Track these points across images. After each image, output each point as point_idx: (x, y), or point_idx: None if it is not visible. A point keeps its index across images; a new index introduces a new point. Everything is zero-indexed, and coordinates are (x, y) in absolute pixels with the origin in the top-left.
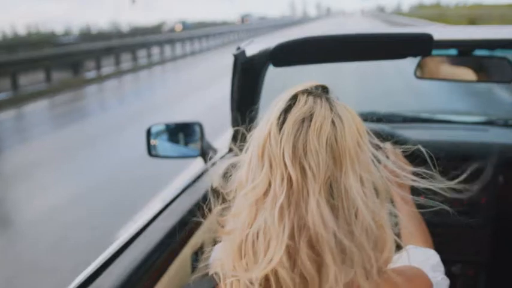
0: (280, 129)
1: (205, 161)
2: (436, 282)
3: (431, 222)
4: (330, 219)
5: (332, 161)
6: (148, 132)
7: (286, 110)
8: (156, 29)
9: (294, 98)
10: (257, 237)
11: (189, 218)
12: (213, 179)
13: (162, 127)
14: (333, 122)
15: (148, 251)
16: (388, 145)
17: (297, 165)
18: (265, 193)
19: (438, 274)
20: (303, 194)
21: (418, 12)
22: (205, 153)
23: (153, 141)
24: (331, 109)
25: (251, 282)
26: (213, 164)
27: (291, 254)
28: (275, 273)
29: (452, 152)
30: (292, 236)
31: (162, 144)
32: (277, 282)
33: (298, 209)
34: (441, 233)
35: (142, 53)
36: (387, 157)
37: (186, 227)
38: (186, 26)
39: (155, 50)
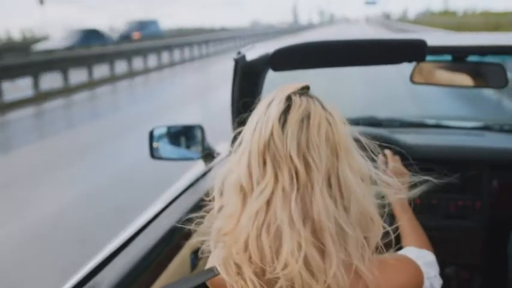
0: (282, 129)
1: (206, 163)
2: (428, 277)
3: (426, 225)
4: (332, 208)
5: (330, 153)
6: (151, 135)
7: (285, 111)
8: None
9: (289, 100)
10: (262, 232)
11: (189, 218)
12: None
13: (164, 130)
14: (327, 118)
15: (148, 249)
16: (387, 151)
17: (301, 160)
18: (272, 192)
19: (431, 271)
20: (308, 187)
21: (435, 20)
22: (206, 155)
23: (155, 144)
24: (323, 107)
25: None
26: (214, 166)
27: (300, 245)
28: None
29: (448, 156)
30: (300, 227)
31: (164, 147)
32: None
33: (303, 201)
34: (436, 236)
35: None
36: (386, 162)
37: (185, 227)
38: None
39: None
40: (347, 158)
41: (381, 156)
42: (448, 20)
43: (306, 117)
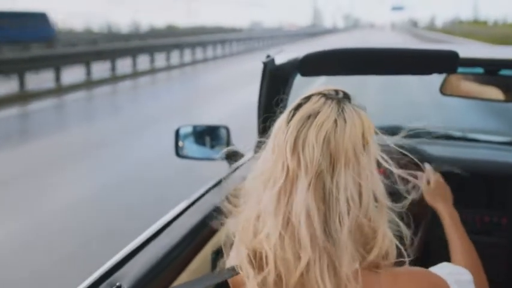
0: (288, 124)
1: (230, 164)
2: None
3: None
4: (314, 211)
5: (327, 158)
6: (177, 133)
7: (297, 108)
8: None
9: (308, 98)
10: (257, 218)
11: (211, 218)
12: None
13: (190, 129)
14: (335, 121)
15: (170, 247)
16: (427, 166)
17: (295, 157)
18: (268, 178)
19: None
20: (293, 184)
21: (467, 29)
22: (230, 156)
23: (181, 143)
24: (338, 110)
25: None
26: (238, 168)
27: (282, 239)
28: (266, 255)
29: (474, 170)
30: (284, 223)
31: (189, 146)
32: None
33: (290, 198)
34: None
35: None
36: (428, 181)
37: (208, 226)
38: None
39: None
40: (348, 168)
41: (420, 173)
42: (482, 31)
43: (314, 115)
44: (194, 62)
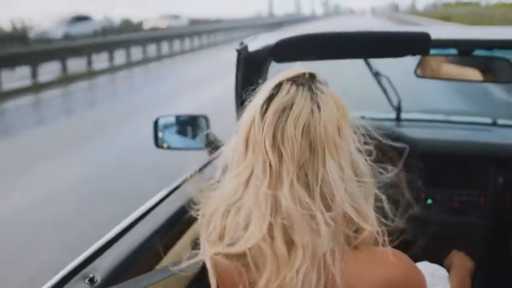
0: (263, 118)
1: (210, 152)
2: (433, 284)
3: (429, 220)
4: (303, 202)
5: (308, 147)
6: (156, 124)
7: (270, 99)
8: None
9: (278, 87)
10: (230, 211)
11: (189, 208)
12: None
13: (169, 119)
14: (312, 111)
15: (146, 237)
16: (457, 257)
17: (276, 151)
18: (249, 177)
19: (438, 283)
20: (280, 178)
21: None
22: (210, 145)
23: (160, 133)
24: (312, 98)
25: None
26: (217, 157)
27: (270, 232)
28: (253, 248)
29: (453, 151)
30: (271, 216)
31: (169, 136)
32: (254, 257)
33: (274, 192)
34: (439, 231)
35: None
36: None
37: (186, 216)
38: None
39: None
40: (332, 154)
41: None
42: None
43: (289, 107)
44: None
